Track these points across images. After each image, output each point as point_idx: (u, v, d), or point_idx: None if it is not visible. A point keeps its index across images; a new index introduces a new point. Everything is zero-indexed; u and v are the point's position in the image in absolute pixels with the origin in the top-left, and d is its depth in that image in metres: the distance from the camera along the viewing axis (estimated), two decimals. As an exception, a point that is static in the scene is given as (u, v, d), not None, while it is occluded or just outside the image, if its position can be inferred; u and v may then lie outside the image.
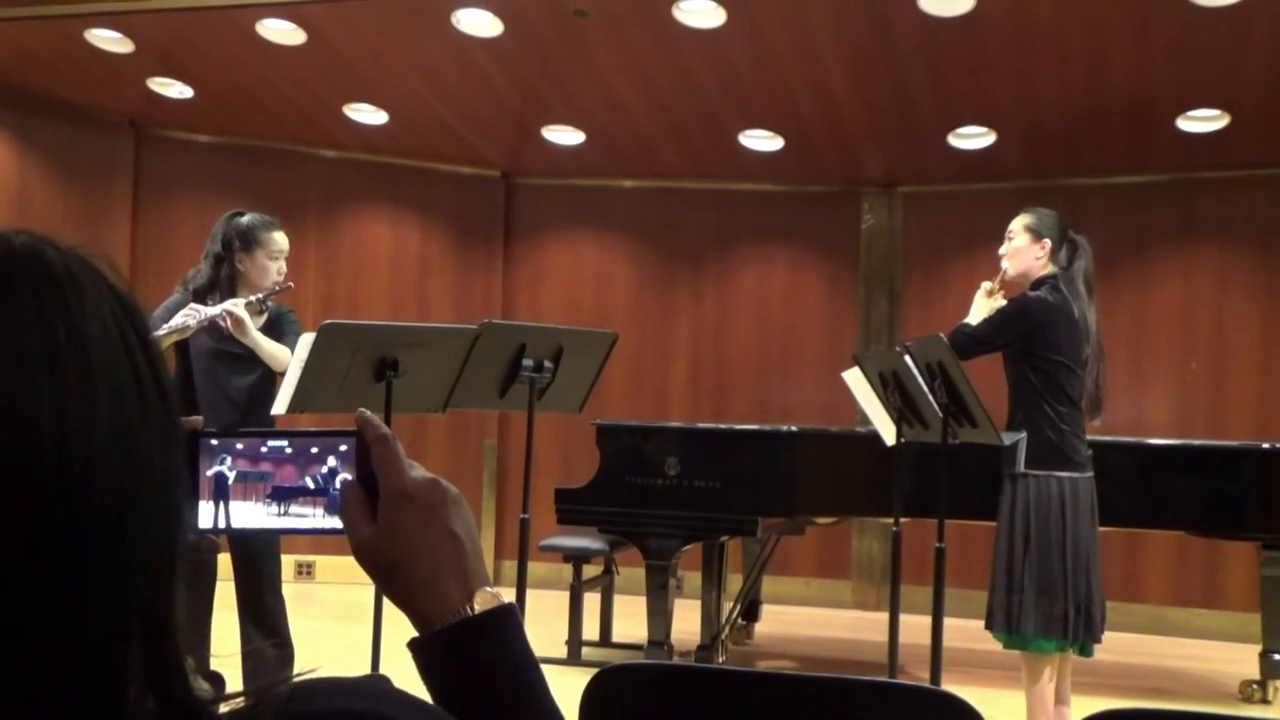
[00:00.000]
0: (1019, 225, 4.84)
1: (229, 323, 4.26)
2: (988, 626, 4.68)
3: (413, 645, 0.93)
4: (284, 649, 4.46)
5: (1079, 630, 4.54)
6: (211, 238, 4.55)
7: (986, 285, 4.89)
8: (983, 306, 4.83)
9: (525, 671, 0.93)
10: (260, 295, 4.43)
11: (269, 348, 4.34)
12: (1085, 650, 4.66)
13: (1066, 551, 4.52)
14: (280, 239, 4.53)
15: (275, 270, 4.49)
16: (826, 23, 6.28)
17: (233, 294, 4.44)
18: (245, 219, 4.54)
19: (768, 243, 9.15)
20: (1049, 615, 4.52)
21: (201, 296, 4.42)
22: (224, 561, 4.37)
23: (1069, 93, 7.02)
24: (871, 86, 7.13)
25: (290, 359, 4.27)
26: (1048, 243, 4.77)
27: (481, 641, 0.92)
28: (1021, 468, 4.60)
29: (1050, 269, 4.77)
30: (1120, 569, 7.41)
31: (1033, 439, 4.60)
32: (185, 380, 4.49)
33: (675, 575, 6.07)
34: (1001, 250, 4.88)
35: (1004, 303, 4.82)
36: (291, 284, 4.56)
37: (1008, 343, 4.71)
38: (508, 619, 0.94)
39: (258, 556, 4.42)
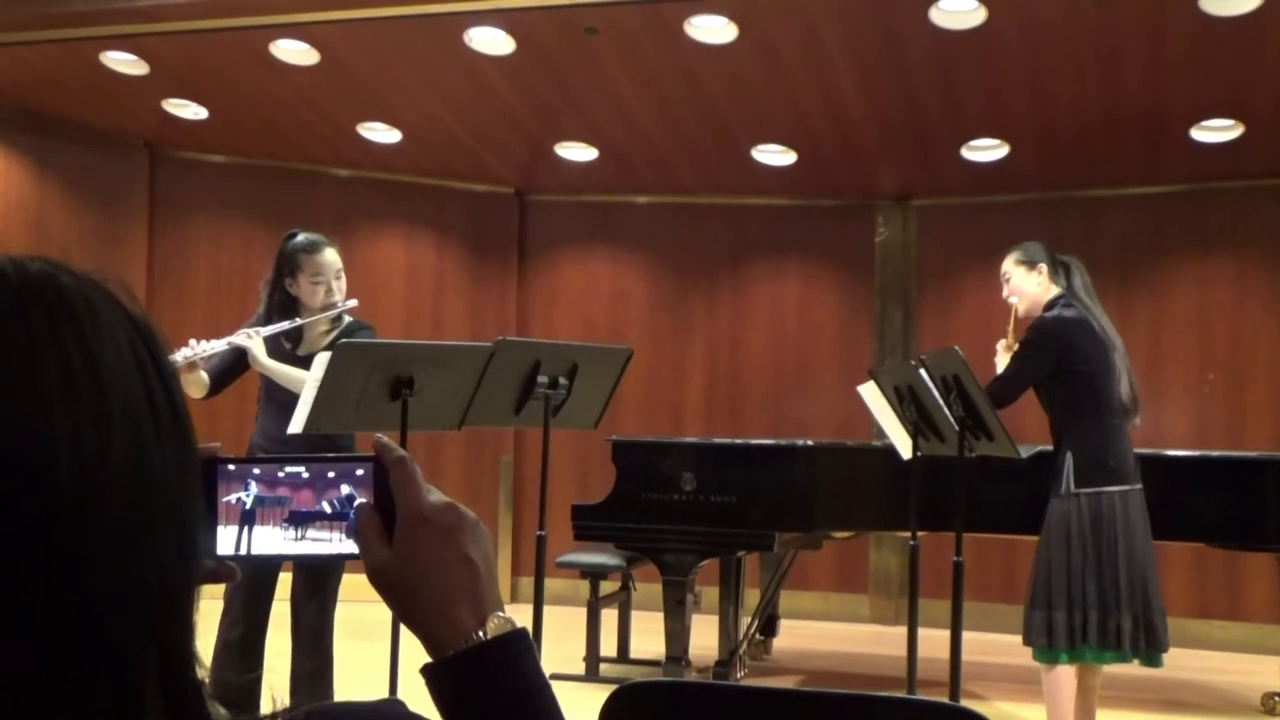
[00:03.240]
0: (1009, 264, 4.94)
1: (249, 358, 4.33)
2: (1046, 645, 4.63)
3: (425, 671, 0.93)
4: (326, 673, 4.48)
5: (1139, 641, 4.55)
6: (272, 263, 4.59)
7: (1003, 342, 4.94)
8: (1005, 361, 4.87)
9: (538, 696, 0.93)
10: (314, 317, 4.48)
11: (280, 371, 4.36)
12: (1153, 661, 4.65)
13: (1120, 564, 4.53)
14: (321, 260, 4.50)
15: (322, 292, 4.49)
16: (838, 37, 6.29)
17: (291, 317, 4.48)
18: (293, 241, 4.55)
19: (782, 257, 9.14)
20: (1105, 627, 4.53)
21: (262, 324, 4.47)
22: (283, 582, 4.41)
23: (1082, 104, 7.01)
24: (884, 100, 7.13)
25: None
26: (1042, 266, 4.86)
27: (493, 667, 0.92)
28: (1072, 487, 4.58)
29: (1054, 290, 4.83)
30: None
31: (1080, 456, 4.60)
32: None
33: (692, 591, 6.06)
34: (1004, 294, 4.95)
35: None
36: (353, 301, 4.57)
37: (1042, 370, 4.71)
38: (520, 644, 0.94)
39: (321, 584, 4.45)
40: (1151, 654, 4.62)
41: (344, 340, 4.21)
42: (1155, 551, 4.71)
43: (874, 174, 8.61)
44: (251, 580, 4.36)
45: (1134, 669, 4.83)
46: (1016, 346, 4.83)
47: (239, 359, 4.45)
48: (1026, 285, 4.87)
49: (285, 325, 4.46)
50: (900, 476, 5.33)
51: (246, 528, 0.97)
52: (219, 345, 4.31)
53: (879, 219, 9.02)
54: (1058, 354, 4.68)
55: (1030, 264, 4.86)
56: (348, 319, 4.60)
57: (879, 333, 8.97)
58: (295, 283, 4.48)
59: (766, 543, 5.94)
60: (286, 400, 4.36)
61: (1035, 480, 4.85)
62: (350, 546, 0.97)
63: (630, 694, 1.49)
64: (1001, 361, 4.89)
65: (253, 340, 4.34)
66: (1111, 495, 4.57)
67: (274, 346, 4.44)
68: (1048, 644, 4.62)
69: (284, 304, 4.50)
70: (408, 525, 0.94)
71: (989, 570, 7.65)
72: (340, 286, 4.55)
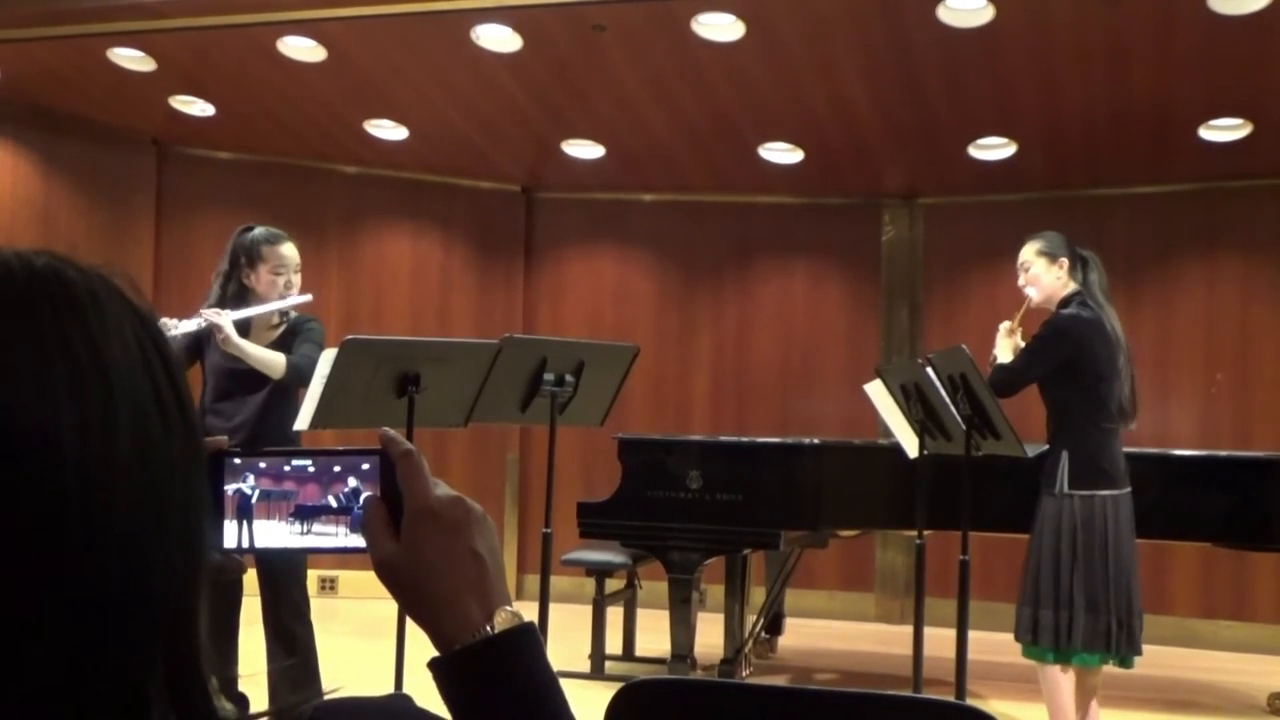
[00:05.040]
0: (1031, 253, 4.84)
1: (219, 336, 4.27)
2: (1032, 642, 4.64)
3: (433, 665, 0.93)
4: (309, 669, 4.46)
5: (1121, 643, 4.55)
6: (224, 254, 4.54)
7: (1006, 325, 4.89)
8: (1006, 345, 4.84)
9: (545, 691, 0.93)
10: (268, 308, 4.44)
11: (257, 354, 4.32)
12: (1126, 663, 4.65)
13: (1109, 566, 4.53)
14: (284, 252, 4.47)
15: (282, 284, 4.45)
16: (845, 35, 6.28)
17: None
18: (252, 233, 4.51)
19: (788, 255, 9.14)
20: (1094, 629, 4.52)
21: None
22: (251, 578, 4.38)
23: (1090, 103, 6.99)
24: (891, 98, 7.12)
25: (284, 365, 4.28)
26: (1064, 261, 4.78)
27: (501, 661, 0.92)
28: (1065, 488, 4.57)
29: (1072, 286, 4.77)
30: (1147, 581, 7.31)
31: (1076, 457, 4.58)
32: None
33: (698, 589, 6.05)
34: (1020, 282, 4.87)
35: (1022, 341, 4.82)
36: (307, 296, 4.53)
37: (1050, 367, 4.68)
38: (528, 638, 0.93)
39: (282, 581, 4.42)
40: (1127, 656, 4.61)
41: (350, 337, 4.20)
42: (1139, 555, 4.70)
43: (881, 172, 8.61)
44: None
45: (1138, 669, 4.83)
46: (1027, 339, 4.79)
47: (193, 347, 4.39)
48: (1046, 278, 4.79)
49: (251, 311, 4.41)
50: (906, 475, 5.33)
51: (246, 520, 0.97)
52: (191, 325, 4.23)
53: (886, 218, 9.02)
54: (1069, 354, 4.64)
55: (1052, 257, 4.78)
56: (293, 314, 4.55)
57: (886, 331, 8.97)
58: (254, 274, 4.45)
59: (772, 541, 5.94)
60: (226, 408, 4.37)
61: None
62: (356, 540, 0.97)
63: (635, 692, 1.49)
64: (1001, 344, 4.84)
65: (224, 319, 4.26)
66: (1104, 499, 4.56)
67: (213, 345, 4.40)
68: (1033, 641, 4.63)
69: (238, 295, 4.46)
70: (415, 519, 0.94)
71: (995, 569, 7.63)
72: (297, 281, 4.51)
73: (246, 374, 4.36)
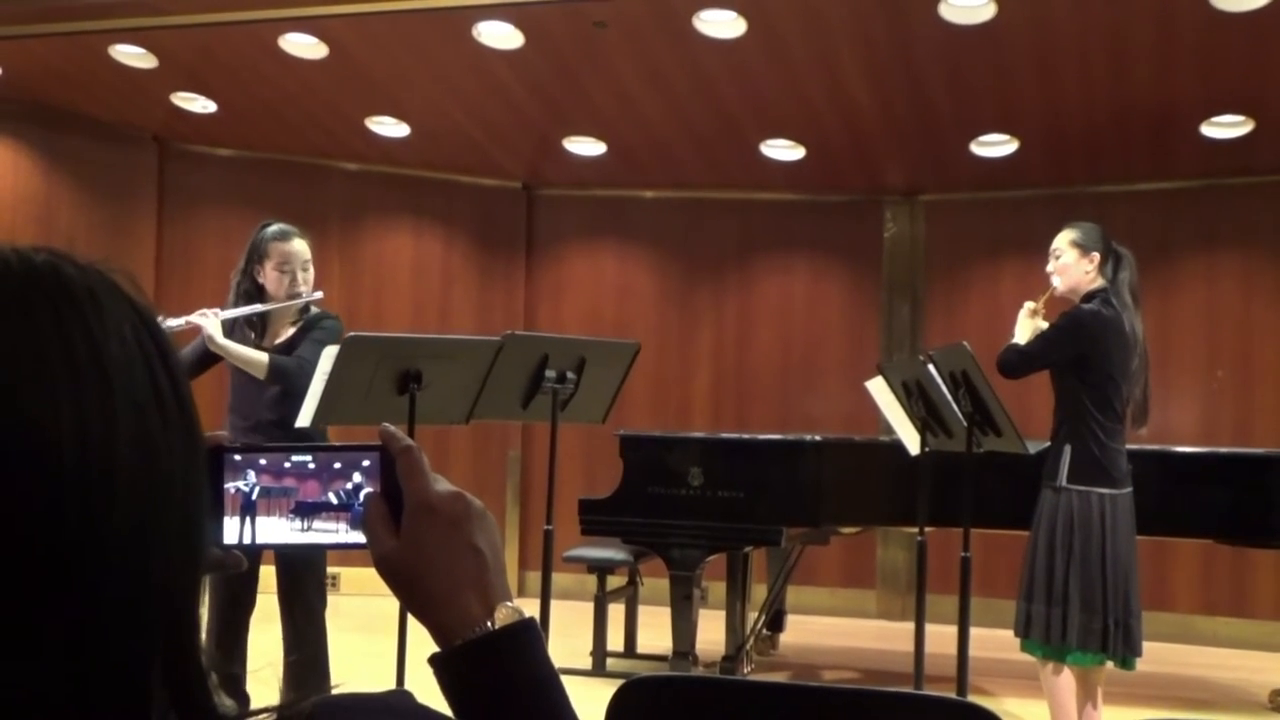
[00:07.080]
0: (1065, 241, 4.77)
1: (204, 335, 4.29)
2: (1024, 636, 4.64)
3: (433, 660, 0.93)
4: (316, 666, 4.46)
5: (1118, 644, 4.53)
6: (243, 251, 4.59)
7: (1029, 305, 4.83)
8: (1026, 327, 4.79)
9: (546, 687, 0.93)
10: (278, 305, 4.45)
11: (239, 353, 4.33)
12: (1127, 664, 4.63)
13: (1106, 565, 4.52)
14: (288, 249, 4.47)
15: (288, 281, 4.45)
16: (847, 32, 6.28)
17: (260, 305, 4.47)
18: (264, 230, 4.54)
19: (790, 252, 9.14)
20: (1088, 629, 4.51)
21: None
22: (267, 575, 4.39)
23: (1091, 99, 6.99)
24: (893, 95, 7.11)
25: (266, 366, 4.29)
26: (1096, 256, 4.71)
27: (502, 657, 0.92)
28: (1064, 482, 4.57)
29: (1099, 282, 4.71)
30: (1147, 578, 7.32)
31: (1078, 452, 4.57)
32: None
33: (700, 586, 6.06)
34: (1049, 268, 4.82)
35: (1044, 324, 4.79)
36: (318, 293, 4.54)
37: (1061, 359, 4.66)
38: (529, 634, 0.93)
39: (298, 578, 4.44)
40: (1127, 657, 4.60)
41: (351, 334, 4.19)
42: (1138, 556, 4.69)
43: (882, 169, 8.60)
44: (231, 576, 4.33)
45: (1139, 665, 4.83)
46: (1045, 327, 4.76)
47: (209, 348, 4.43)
48: (1074, 269, 4.72)
49: (245, 310, 4.43)
50: (908, 472, 5.33)
51: (249, 516, 0.97)
52: (176, 323, 4.24)
53: (887, 214, 9.01)
54: (1082, 349, 4.61)
55: (1084, 250, 4.71)
56: (314, 309, 4.56)
57: (887, 328, 8.97)
58: (262, 270, 4.47)
59: (773, 538, 5.94)
60: (243, 407, 4.39)
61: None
62: (356, 537, 0.97)
63: (637, 689, 1.49)
64: (1022, 324, 4.80)
65: (208, 319, 4.28)
66: (1102, 497, 4.55)
67: (239, 336, 4.42)
68: (1025, 635, 4.63)
69: (250, 292, 4.48)
70: (415, 514, 0.94)
71: (996, 566, 7.63)
72: (308, 278, 4.51)
73: None
